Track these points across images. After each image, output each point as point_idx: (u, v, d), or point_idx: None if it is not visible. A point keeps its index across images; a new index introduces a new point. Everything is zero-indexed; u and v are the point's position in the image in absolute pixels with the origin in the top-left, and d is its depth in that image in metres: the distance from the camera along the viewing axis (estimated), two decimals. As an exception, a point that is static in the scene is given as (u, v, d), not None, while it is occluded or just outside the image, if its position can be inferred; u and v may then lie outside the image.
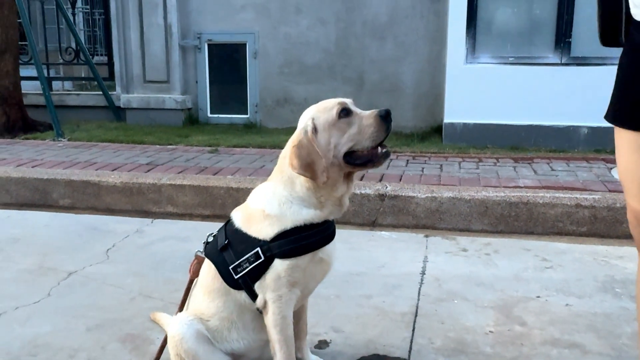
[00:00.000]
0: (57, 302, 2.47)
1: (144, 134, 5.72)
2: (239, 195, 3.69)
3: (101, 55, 8.44)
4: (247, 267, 1.58)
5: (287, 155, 1.59)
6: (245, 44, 6.37)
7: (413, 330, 2.21)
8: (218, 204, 3.79)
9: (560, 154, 4.83)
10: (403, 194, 3.57)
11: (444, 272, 2.79)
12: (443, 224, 3.52)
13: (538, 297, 2.51)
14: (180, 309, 1.79)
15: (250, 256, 1.57)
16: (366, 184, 3.70)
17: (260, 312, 1.64)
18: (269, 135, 5.67)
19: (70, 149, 5.07)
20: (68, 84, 8.37)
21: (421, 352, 2.05)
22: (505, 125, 5.20)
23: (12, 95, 6.07)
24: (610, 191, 3.54)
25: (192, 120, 6.56)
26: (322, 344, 2.10)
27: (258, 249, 1.56)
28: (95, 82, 6.94)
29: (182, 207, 3.86)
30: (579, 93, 5.00)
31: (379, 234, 3.41)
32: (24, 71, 6.58)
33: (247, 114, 6.47)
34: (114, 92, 6.75)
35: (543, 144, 5.12)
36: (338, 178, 1.60)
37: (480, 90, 5.18)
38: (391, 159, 4.58)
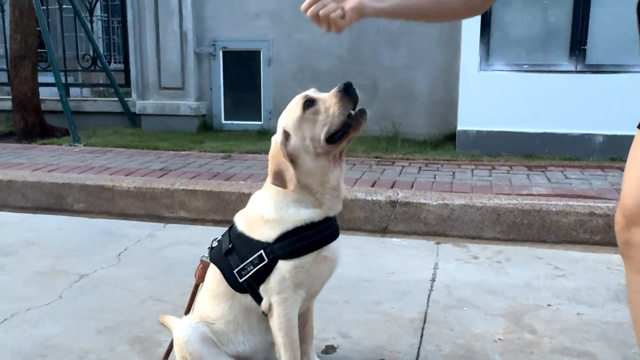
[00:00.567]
0: (68, 304, 2.49)
1: (158, 140, 5.77)
2: (251, 201, 3.70)
3: (118, 62, 8.55)
4: (251, 270, 1.59)
5: None
6: (259, 51, 6.42)
7: (421, 336, 2.20)
8: (230, 209, 3.81)
9: (574, 162, 4.79)
10: (414, 201, 3.56)
11: (455, 279, 2.78)
12: (454, 231, 3.50)
13: (549, 305, 2.48)
14: (186, 313, 1.80)
15: (254, 259, 1.58)
16: (377, 191, 3.69)
17: (265, 315, 1.64)
18: (282, 142, 5.68)
19: (85, 154, 5.14)
20: (85, 91, 8.48)
21: (429, 359, 2.04)
22: (519, 133, 5.17)
23: (30, 101, 6.16)
24: (624, 199, 3.50)
25: (206, 126, 6.61)
26: (329, 349, 2.10)
27: (261, 251, 1.57)
28: (112, 89, 7.03)
29: (194, 212, 3.89)
30: (594, 101, 4.95)
31: (389, 241, 3.41)
32: (43, 78, 6.68)
33: (260, 120, 6.51)
34: (130, 99, 6.84)
35: (557, 152, 5.07)
36: (328, 165, 1.59)
37: (494, 97, 5.16)
38: (403, 166, 4.57)
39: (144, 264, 2.99)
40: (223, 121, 6.67)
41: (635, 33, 1.49)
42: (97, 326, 2.28)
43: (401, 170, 4.43)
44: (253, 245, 1.59)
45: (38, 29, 6.22)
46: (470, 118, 5.26)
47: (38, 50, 6.43)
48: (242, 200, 3.78)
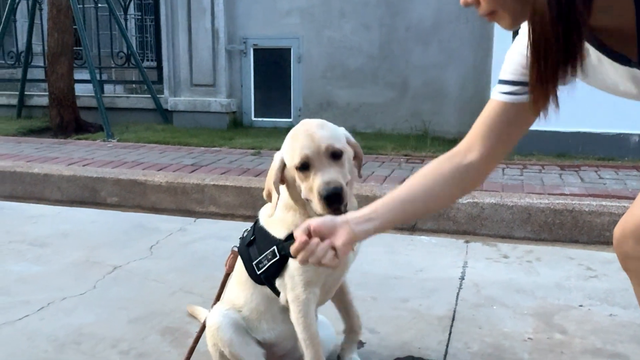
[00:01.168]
0: (101, 294, 2.56)
1: (189, 136, 5.86)
2: (280, 197, 3.73)
3: (151, 60, 8.70)
4: (266, 264, 1.61)
5: None
6: (289, 49, 6.44)
7: (449, 334, 2.19)
8: (259, 205, 3.79)
9: (608, 162, 4.69)
10: (443, 199, 3.53)
11: (484, 277, 2.75)
12: (484, 230, 3.47)
13: (580, 306, 2.44)
14: (215, 301, 1.83)
15: (268, 253, 1.61)
16: (406, 188, 3.68)
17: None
18: (311, 139, 5.70)
19: (119, 150, 5.24)
20: (119, 88, 8.65)
21: (457, 356, 2.03)
22: (552, 132, 5.08)
23: (66, 97, 6.31)
24: (661, 200, 3.41)
25: (236, 123, 6.68)
26: (357, 344, 2.10)
27: (274, 247, 1.60)
28: (145, 86, 7.15)
29: (224, 207, 3.93)
30: (630, 100, 4.84)
31: (418, 239, 3.39)
32: (78, 74, 6.84)
33: (290, 117, 6.54)
34: (162, 96, 6.94)
35: (591, 151, 4.97)
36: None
37: (526, 96, 5.08)
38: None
39: (174, 257, 3.04)
40: (253, 118, 6.72)
41: None
42: (129, 316, 2.33)
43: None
44: (269, 240, 1.62)
45: (74, 27, 6.37)
46: (502, 117, 5.18)
47: (74, 47, 6.59)
48: (271, 196, 3.80)
